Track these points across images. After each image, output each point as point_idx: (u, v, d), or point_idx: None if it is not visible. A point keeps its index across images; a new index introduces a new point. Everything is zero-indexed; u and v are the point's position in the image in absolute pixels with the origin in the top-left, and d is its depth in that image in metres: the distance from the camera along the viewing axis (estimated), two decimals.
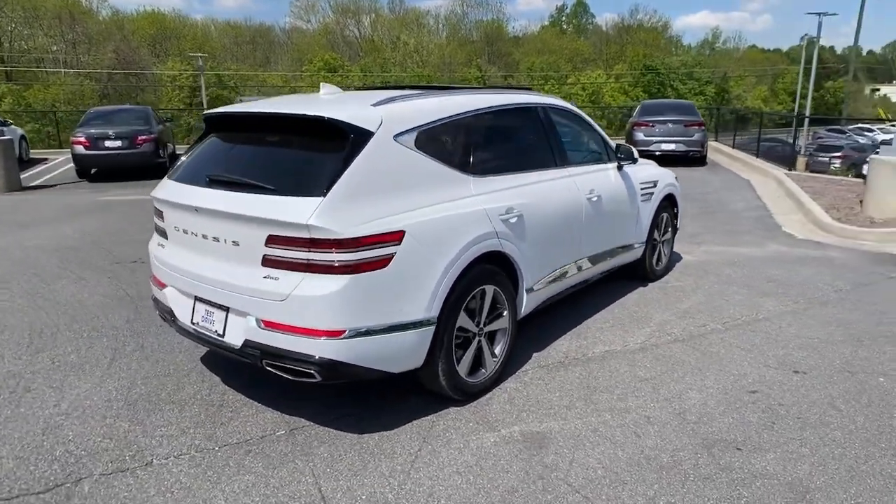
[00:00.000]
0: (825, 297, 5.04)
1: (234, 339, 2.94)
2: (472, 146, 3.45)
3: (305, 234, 2.64)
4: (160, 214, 3.37)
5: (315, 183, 2.75)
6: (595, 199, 4.32)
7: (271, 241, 2.74)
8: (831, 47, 55.83)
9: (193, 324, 3.15)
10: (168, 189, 3.27)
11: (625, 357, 3.91)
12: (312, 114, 2.94)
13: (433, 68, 58.01)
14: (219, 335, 3.02)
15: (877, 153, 7.91)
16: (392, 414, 3.19)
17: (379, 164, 2.86)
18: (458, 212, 3.13)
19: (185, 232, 3.15)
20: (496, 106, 3.72)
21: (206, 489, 2.60)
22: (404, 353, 2.91)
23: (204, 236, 3.03)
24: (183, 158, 3.49)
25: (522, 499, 2.54)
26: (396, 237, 2.77)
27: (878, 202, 7.44)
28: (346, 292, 2.65)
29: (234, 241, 2.89)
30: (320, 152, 2.94)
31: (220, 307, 3.02)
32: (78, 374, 3.66)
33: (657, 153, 12.78)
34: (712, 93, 60.93)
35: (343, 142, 2.83)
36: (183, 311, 3.23)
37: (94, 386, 3.51)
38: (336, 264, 2.65)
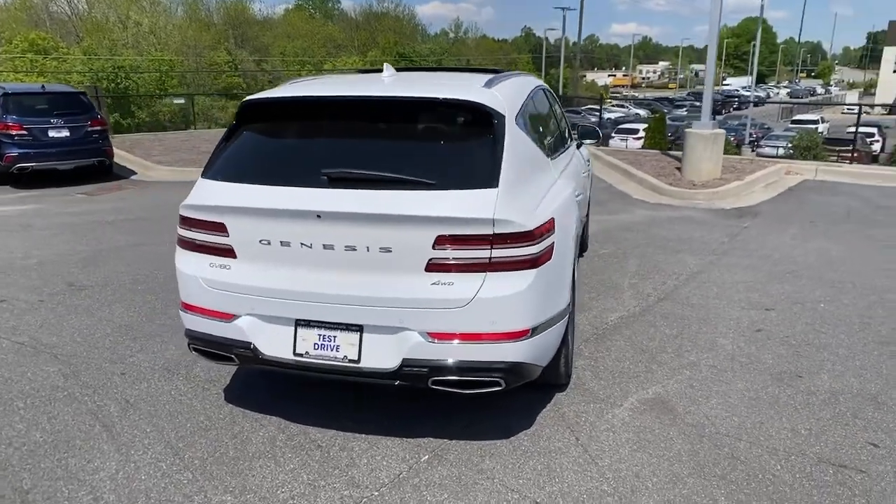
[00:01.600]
0: (721, 249, 6.16)
1: (381, 362, 2.53)
2: (540, 128, 3.44)
3: (488, 230, 2.41)
4: (218, 227, 2.66)
5: (475, 173, 2.50)
6: (584, 175, 4.62)
7: (441, 242, 2.42)
8: (547, 38, 65.23)
9: (298, 355, 2.62)
10: (242, 194, 2.61)
11: (640, 319, 4.32)
12: (452, 97, 2.65)
13: (174, 52, 52.39)
14: (351, 361, 2.56)
15: (689, 126, 9.69)
16: (509, 414, 3.09)
17: (517, 149, 2.71)
18: (563, 195, 3.12)
19: (286, 244, 2.57)
20: (534, 86, 3.73)
21: None
22: (553, 345, 2.84)
23: (326, 246, 2.51)
24: (224, 154, 2.81)
25: (702, 458, 2.74)
26: (553, 225, 2.68)
27: (694, 168, 9.21)
28: (533, 288, 2.50)
29: (382, 248, 2.46)
30: (457, 140, 2.66)
31: (349, 328, 2.56)
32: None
33: None
34: None
35: (482, 127, 2.61)
36: (274, 341, 2.65)
37: (122, 463, 2.66)
38: (523, 259, 2.47)
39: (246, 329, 2.69)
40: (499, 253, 2.44)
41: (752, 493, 2.50)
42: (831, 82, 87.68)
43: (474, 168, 2.53)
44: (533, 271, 2.50)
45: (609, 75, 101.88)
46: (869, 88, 68.58)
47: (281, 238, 2.58)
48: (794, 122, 31.29)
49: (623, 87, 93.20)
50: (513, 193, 2.51)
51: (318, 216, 2.48)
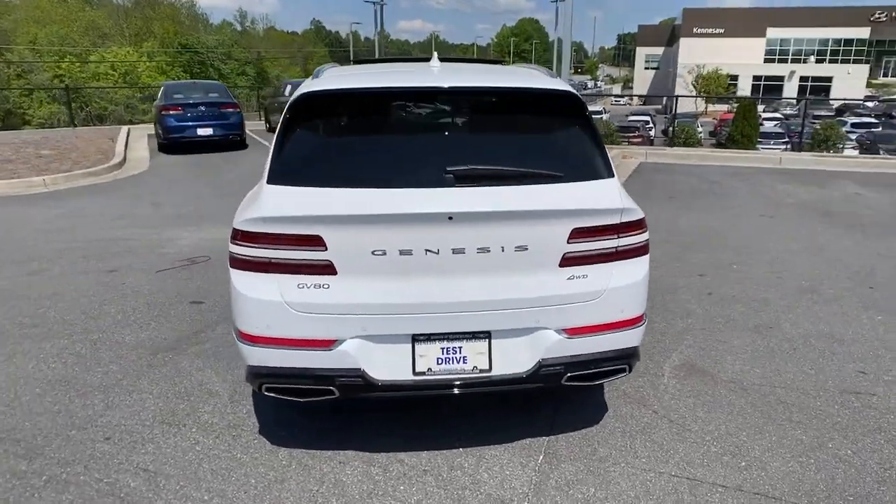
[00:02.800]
0: None
1: (514, 367, 2.40)
2: None
3: (617, 220, 2.42)
4: (312, 242, 2.26)
5: (590, 163, 2.49)
6: None
7: (576, 235, 2.36)
8: (355, 32, 65.01)
9: (419, 374, 2.36)
10: (346, 200, 2.25)
11: None
12: (552, 87, 2.57)
13: None
14: (482, 371, 2.39)
15: None
16: (575, 402, 3.14)
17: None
18: None
19: (407, 252, 2.27)
20: None
21: None
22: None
23: (455, 250, 2.28)
24: (300, 154, 2.41)
25: (764, 409, 3.10)
26: None
27: None
28: (647, 274, 2.56)
29: (518, 247, 2.32)
30: (559, 130, 2.59)
31: (475, 336, 2.38)
32: None
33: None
34: (254, 73, 62.98)
35: (577, 118, 2.59)
36: (388, 363, 2.36)
37: None
38: (639, 245, 2.52)
39: (354, 354, 2.34)
40: (624, 242, 2.46)
41: (820, 428, 2.89)
42: (598, 78, 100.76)
43: (587, 159, 2.50)
44: (646, 257, 2.57)
45: None
46: (628, 83, 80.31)
47: (401, 246, 2.28)
48: None
49: None
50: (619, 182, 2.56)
51: (450, 218, 2.25)
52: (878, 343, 3.83)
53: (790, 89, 48.19)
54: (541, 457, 2.69)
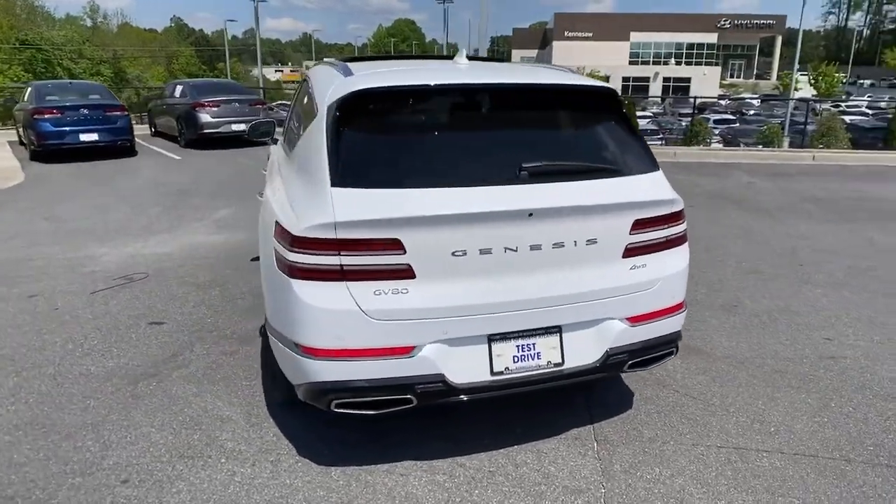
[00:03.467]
0: None
1: (585, 358, 2.46)
2: None
3: (668, 210, 2.55)
4: (390, 245, 2.17)
5: (639, 156, 2.60)
6: None
7: (637, 226, 2.47)
8: (226, 30, 61.36)
9: (497, 373, 2.35)
10: (424, 200, 2.18)
11: None
12: (598, 85, 2.63)
13: None
14: (555, 365, 2.42)
15: None
16: (606, 389, 3.27)
17: None
18: None
19: (487, 251, 2.24)
20: None
21: None
22: None
23: (533, 247, 2.29)
24: (363, 154, 2.29)
25: (784, 380, 3.41)
26: None
27: None
28: (688, 261, 2.72)
29: (589, 240, 2.37)
30: (605, 125, 2.66)
31: (547, 331, 2.40)
32: None
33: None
34: (110, 73, 57.85)
35: (618, 114, 2.69)
36: (467, 365, 2.32)
37: None
38: (682, 234, 2.68)
39: (433, 359, 2.27)
40: (672, 231, 2.61)
41: (819, 390, 3.24)
42: None
43: (637, 152, 2.61)
44: (686, 244, 2.73)
45: (276, 70, 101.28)
46: None
47: (481, 246, 2.25)
48: None
49: (293, 82, 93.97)
50: None
51: (530, 214, 2.25)
52: (827, 313, 4.34)
53: (655, 89, 52.66)
54: (595, 444, 2.77)
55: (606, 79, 55.43)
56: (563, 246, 2.36)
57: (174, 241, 6.16)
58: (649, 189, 2.50)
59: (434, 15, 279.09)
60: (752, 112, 29.14)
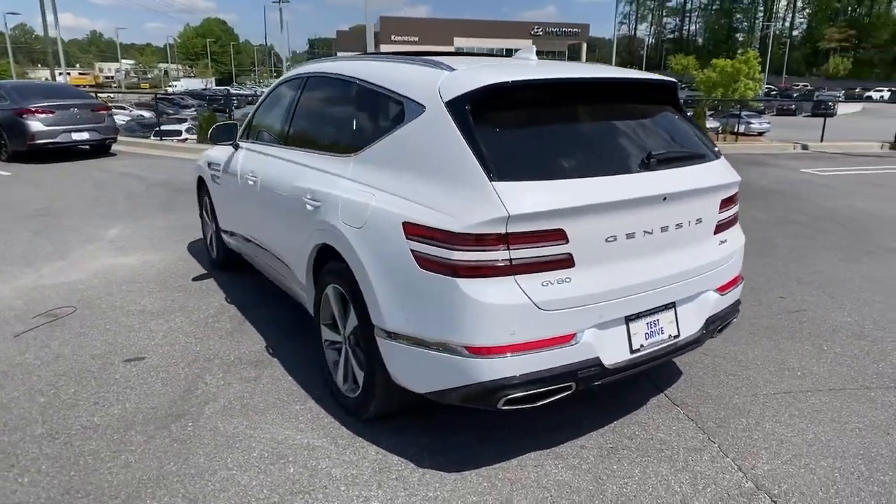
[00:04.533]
0: None
1: (693, 328, 2.70)
2: None
3: (735, 190, 2.88)
4: (556, 236, 2.19)
5: (708, 143, 2.88)
6: None
7: (722, 205, 2.76)
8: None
9: (635, 351, 2.48)
10: (581, 190, 2.24)
11: None
12: (668, 79, 2.84)
13: None
14: (674, 338, 2.62)
15: None
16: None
17: None
18: None
19: (631, 236, 2.38)
20: None
21: None
22: None
23: (663, 229, 2.46)
24: (516, 147, 2.32)
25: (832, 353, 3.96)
26: None
27: None
28: None
29: (697, 220, 2.61)
30: (672, 115, 2.88)
31: (666, 307, 2.59)
32: None
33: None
34: None
35: (677, 105, 2.95)
36: (613, 347, 2.42)
37: None
38: (736, 213, 3.02)
39: (592, 343, 2.32)
40: (736, 209, 2.94)
41: (817, 335, 3.84)
42: None
43: (704, 139, 2.89)
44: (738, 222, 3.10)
45: (61, 73, 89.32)
46: None
47: (627, 230, 2.36)
48: None
49: (86, 86, 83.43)
50: None
51: (664, 198, 2.42)
52: (757, 275, 5.12)
53: None
54: (678, 409, 3.02)
55: None
56: (681, 227, 2.56)
57: (78, 268, 5.30)
58: (725, 172, 2.81)
59: (246, 15, 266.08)
60: None
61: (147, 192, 8.92)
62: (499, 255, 2.15)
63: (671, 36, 71.93)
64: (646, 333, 2.52)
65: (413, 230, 2.28)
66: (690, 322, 2.68)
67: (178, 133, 23.79)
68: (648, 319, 2.53)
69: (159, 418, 2.95)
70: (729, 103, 25.71)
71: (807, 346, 3.74)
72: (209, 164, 4.91)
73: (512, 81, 2.37)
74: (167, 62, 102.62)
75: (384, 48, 60.90)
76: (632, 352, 2.48)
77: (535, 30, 61.89)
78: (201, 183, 5.32)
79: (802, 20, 62.71)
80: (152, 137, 24.13)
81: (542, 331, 2.23)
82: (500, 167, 2.21)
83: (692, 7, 71.75)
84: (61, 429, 2.87)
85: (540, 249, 2.20)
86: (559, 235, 2.22)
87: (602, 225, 2.31)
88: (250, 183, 3.88)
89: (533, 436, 2.77)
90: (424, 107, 2.48)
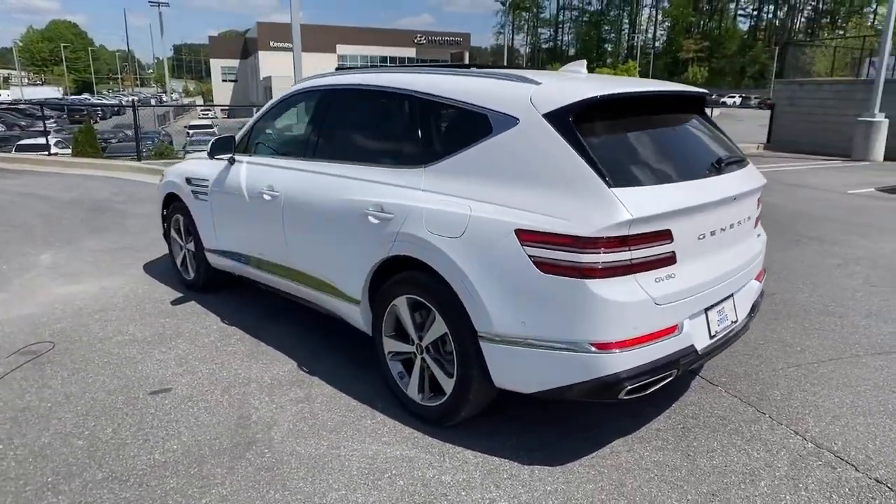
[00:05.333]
0: None
1: (743, 314, 3.03)
2: None
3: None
4: (664, 236, 2.42)
5: (735, 146, 3.24)
6: None
7: (757, 203, 3.14)
8: None
9: (712, 337, 2.77)
10: (680, 194, 2.51)
11: None
12: (703, 91, 3.15)
13: None
14: (734, 323, 2.94)
15: None
16: None
17: None
18: None
19: (714, 233, 2.66)
20: None
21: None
22: None
23: (733, 225, 2.81)
24: (621, 155, 2.56)
25: None
26: None
27: None
28: None
29: (749, 217, 2.97)
30: (711, 121, 3.21)
31: (728, 297, 2.90)
32: None
33: None
34: None
35: (701, 113, 3.29)
36: (699, 334, 2.69)
37: None
38: None
39: (690, 332, 2.57)
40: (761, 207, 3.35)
41: (794, 314, 4.37)
42: (171, 90, 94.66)
43: (734, 144, 3.25)
44: None
45: None
46: (207, 94, 78.14)
47: (712, 228, 2.66)
48: (191, 127, 33.50)
49: None
50: None
51: (734, 199, 2.73)
52: None
53: None
54: (723, 388, 3.36)
55: None
56: (740, 224, 2.90)
57: (28, 300, 4.79)
58: (758, 173, 3.19)
59: (97, 18, 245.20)
60: None
61: (61, 212, 8.14)
62: (622, 256, 2.34)
63: (546, 46, 76.31)
64: (718, 320, 2.81)
65: (529, 237, 2.40)
66: (742, 309, 3.02)
67: (44, 147, 21.64)
68: (719, 308, 2.83)
69: (229, 448, 2.82)
70: None
71: (792, 325, 4.27)
72: (188, 181, 4.65)
73: (602, 96, 2.57)
74: (6, 68, 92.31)
75: (263, 55, 59.07)
76: (710, 337, 2.75)
77: (419, 38, 62.90)
78: (171, 200, 5.01)
79: (663, 32, 69.01)
80: (14, 152, 21.80)
81: (657, 324, 2.44)
82: (612, 174, 2.39)
83: (564, 18, 76.49)
84: (124, 470, 2.66)
85: (653, 249, 2.42)
86: (667, 235, 2.45)
87: (695, 224, 2.58)
88: (266, 198, 3.76)
89: (609, 426, 2.97)
90: (517, 119, 2.60)
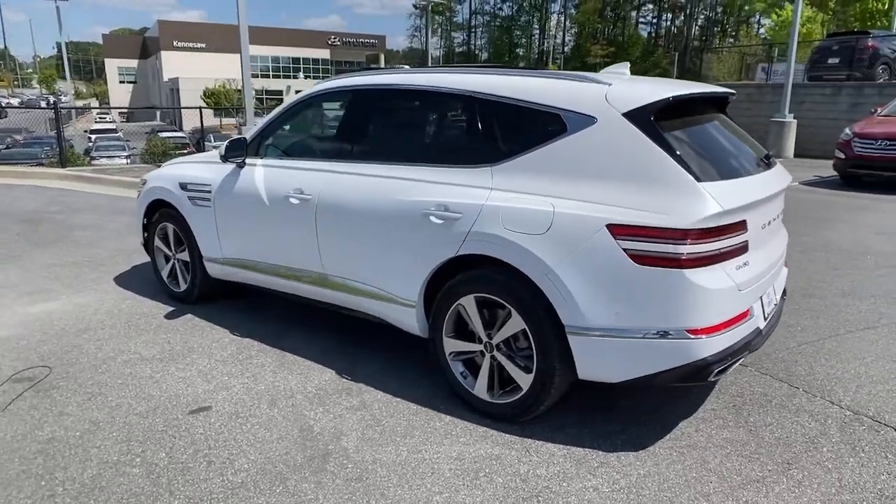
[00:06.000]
0: None
1: (778, 297, 3.27)
2: None
3: None
4: (742, 226, 2.59)
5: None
6: None
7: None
8: None
9: (765, 319, 2.98)
10: (749, 187, 2.71)
11: None
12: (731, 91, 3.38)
13: None
14: (775, 305, 3.18)
15: None
16: None
17: None
18: None
19: (766, 225, 2.90)
20: None
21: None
22: None
23: (777, 217, 3.09)
24: (695, 152, 2.70)
25: None
26: None
27: None
28: None
29: (782, 208, 3.24)
30: (731, 121, 3.43)
31: (771, 283, 3.13)
32: None
33: None
34: None
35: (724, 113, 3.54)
36: (759, 315, 2.89)
37: None
38: None
39: (757, 315, 2.76)
40: None
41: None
42: (59, 91, 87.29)
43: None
44: None
45: None
46: (102, 96, 73.07)
47: (767, 219, 2.91)
48: (94, 131, 31.38)
49: None
50: None
51: (777, 193, 2.97)
52: None
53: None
54: (780, 374, 3.60)
55: (239, 91, 54.39)
56: (778, 215, 3.16)
57: None
58: (784, 169, 3.46)
59: None
60: None
61: None
62: (714, 246, 2.48)
63: (460, 49, 77.44)
64: (766, 302, 3.03)
65: (624, 230, 2.50)
66: (778, 291, 3.27)
67: None
68: (768, 291, 3.05)
69: (304, 462, 2.72)
70: None
71: (788, 306, 4.64)
72: (183, 186, 4.40)
73: (675, 97, 2.72)
74: None
75: (166, 55, 56.16)
76: (765, 319, 2.97)
77: (333, 39, 61.96)
78: (156, 207, 4.72)
79: (571, 38, 71.94)
80: None
81: (737, 308, 2.61)
82: (698, 170, 2.54)
83: (477, 23, 78.01)
84: (202, 494, 2.50)
85: (735, 239, 2.59)
86: (744, 226, 2.63)
87: (759, 215, 2.79)
88: (294, 202, 3.63)
89: (665, 409, 3.11)
90: (594, 118, 2.69)
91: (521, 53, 74.00)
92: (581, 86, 2.84)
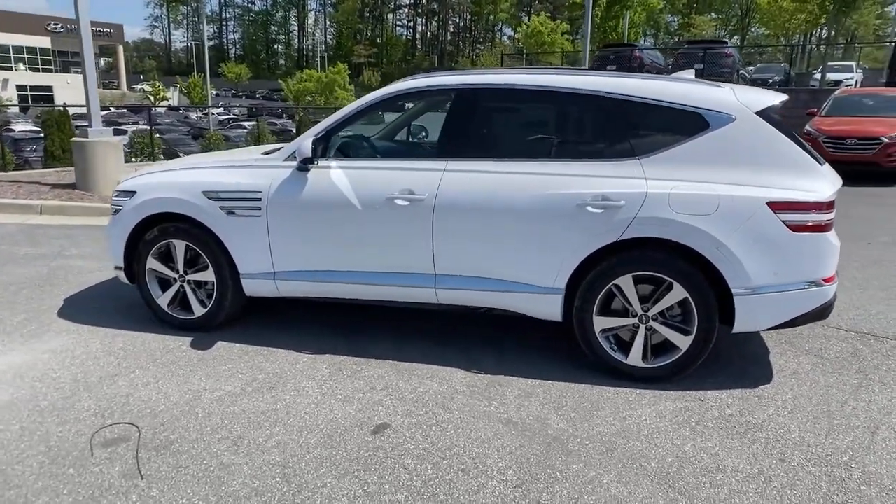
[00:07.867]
0: None
1: None
2: None
3: None
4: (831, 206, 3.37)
5: None
6: None
7: None
8: None
9: None
10: (831, 172, 3.47)
11: None
12: None
13: None
14: None
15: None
16: None
17: None
18: None
19: None
20: None
21: None
22: None
23: None
24: (802, 145, 3.40)
25: None
26: None
27: None
28: None
29: None
30: None
31: None
32: None
33: None
34: None
35: None
36: None
37: None
38: None
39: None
40: None
41: None
42: None
43: None
44: None
45: None
46: None
47: None
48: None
49: None
50: None
51: None
52: None
53: (10, 98, 43.80)
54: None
55: None
56: None
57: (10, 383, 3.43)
58: None
59: None
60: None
61: None
62: (833, 215, 3.27)
63: (211, 43, 72.50)
64: None
65: (781, 206, 3.13)
66: None
67: None
68: None
69: (543, 449, 2.85)
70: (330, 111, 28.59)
71: None
72: (213, 195, 3.90)
73: (782, 101, 3.45)
74: None
75: None
76: None
77: (53, 26, 52.97)
78: (151, 223, 4.09)
79: (332, 37, 72.29)
80: None
81: (836, 264, 3.44)
82: (814, 157, 3.30)
83: (228, 16, 73.80)
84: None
85: (833, 211, 3.39)
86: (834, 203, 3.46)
87: None
88: (401, 203, 3.57)
89: (753, 369, 3.81)
90: (733, 116, 3.27)
91: (279, 50, 72.19)
92: (713, 89, 3.43)
